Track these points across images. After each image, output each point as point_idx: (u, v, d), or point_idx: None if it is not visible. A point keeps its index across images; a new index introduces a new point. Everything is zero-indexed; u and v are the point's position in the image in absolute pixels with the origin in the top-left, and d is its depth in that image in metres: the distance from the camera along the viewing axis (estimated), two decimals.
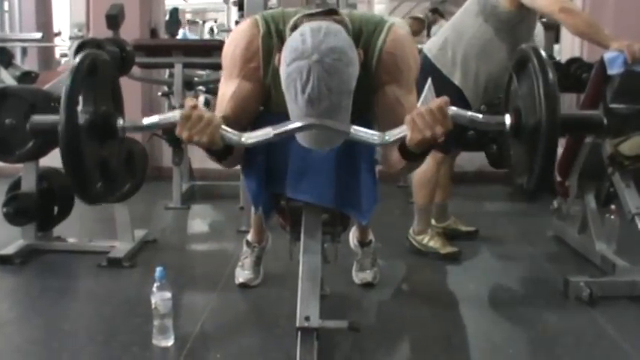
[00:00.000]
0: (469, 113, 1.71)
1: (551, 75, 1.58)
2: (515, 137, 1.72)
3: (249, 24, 2.00)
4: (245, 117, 2.03)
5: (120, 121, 1.78)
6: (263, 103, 2.08)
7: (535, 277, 3.24)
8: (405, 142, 1.71)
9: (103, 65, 1.82)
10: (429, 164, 3.39)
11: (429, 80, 2.96)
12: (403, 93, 1.99)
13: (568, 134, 1.56)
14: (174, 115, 1.71)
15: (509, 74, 1.85)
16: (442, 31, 3.51)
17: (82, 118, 1.67)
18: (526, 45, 1.74)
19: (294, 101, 1.66)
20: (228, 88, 2.02)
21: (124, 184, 3.26)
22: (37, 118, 1.76)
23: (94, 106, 1.73)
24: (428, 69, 3.19)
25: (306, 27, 1.69)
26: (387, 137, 1.74)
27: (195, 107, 1.69)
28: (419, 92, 3.02)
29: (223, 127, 1.73)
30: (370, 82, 1.96)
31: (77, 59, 1.71)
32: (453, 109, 1.68)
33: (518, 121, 1.69)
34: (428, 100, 3.10)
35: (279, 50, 1.77)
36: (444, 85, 3.07)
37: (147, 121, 1.77)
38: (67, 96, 1.63)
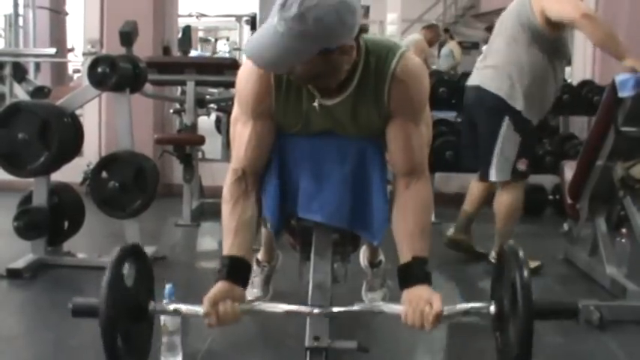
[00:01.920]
0: (458, 306, 1.96)
1: (526, 274, 1.79)
2: (499, 323, 1.93)
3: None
4: (262, 160, 2.10)
5: (151, 305, 1.99)
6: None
7: (545, 299, 3.22)
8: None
9: (138, 253, 2.03)
10: (517, 195, 3.51)
11: (506, 119, 3.10)
12: (413, 128, 2.02)
13: (544, 320, 1.87)
14: (199, 311, 1.95)
15: (496, 265, 2.05)
16: (499, 67, 3.43)
17: (118, 302, 1.86)
18: (508, 245, 1.95)
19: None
20: (245, 131, 2.06)
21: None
22: (79, 300, 1.98)
23: (129, 293, 1.94)
24: (503, 107, 3.35)
25: None
26: (383, 308, 2.08)
27: (216, 322, 1.95)
28: (494, 132, 3.11)
29: (242, 307, 1.98)
30: (382, 108, 1.98)
31: (117, 250, 1.92)
32: (446, 309, 1.88)
33: (501, 310, 1.90)
34: (509, 139, 3.26)
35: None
36: (522, 121, 3.32)
37: (174, 307, 2.04)
38: (107, 286, 1.84)
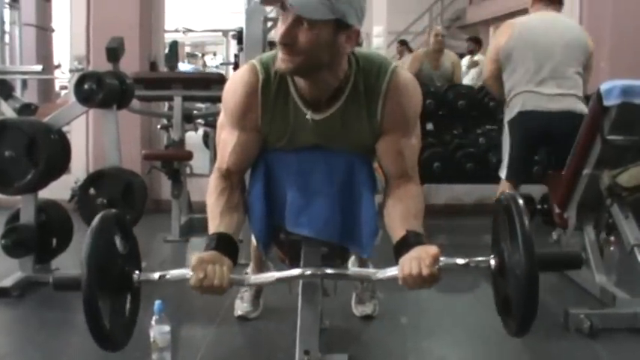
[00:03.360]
0: (457, 260, 1.86)
1: (527, 223, 1.70)
2: (500, 277, 1.84)
3: (248, 71, 2.01)
4: (246, 164, 2.11)
5: (136, 275, 1.91)
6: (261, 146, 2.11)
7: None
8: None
9: (120, 222, 1.94)
10: None
11: None
12: (405, 141, 2.03)
13: (548, 271, 1.75)
14: (186, 273, 1.88)
15: (494, 217, 1.94)
16: (579, 93, 3.75)
17: (102, 273, 1.78)
18: (507, 194, 1.87)
19: None
20: (229, 139, 2.06)
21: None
22: (60, 274, 1.93)
23: (112, 262, 1.85)
24: None
25: None
26: (379, 275, 1.92)
27: (204, 278, 1.82)
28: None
29: (232, 277, 1.87)
30: (374, 125, 1.99)
31: (95, 220, 1.83)
32: (443, 260, 1.81)
33: (502, 263, 1.81)
34: None
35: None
36: None
37: (160, 275, 1.95)
38: (88, 256, 1.75)
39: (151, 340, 2.32)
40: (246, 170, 2.14)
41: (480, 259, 1.86)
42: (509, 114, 3.83)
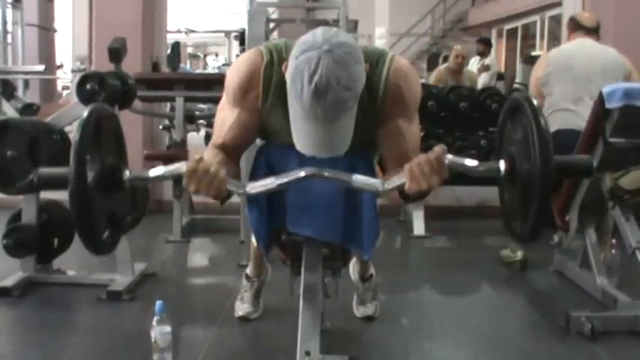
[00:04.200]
0: (466, 160, 1.75)
1: (543, 121, 1.62)
2: (510, 183, 1.75)
3: (253, 52, 2.03)
4: (243, 145, 2.10)
5: (126, 174, 1.80)
6: (261, 133, 2.11)
7: (536, 311, 3.23)
8: (404, 189, 1.73)
9: (108, 119, 1.84)
10: None
11: None
12: (407, 125, 2.03)
13: (561, 178, 1.62)
14: (181, 167, 1.73)
15: (502, 120, 1.88)
16: None
17: (89, 171, 1.69)
18: (518, 93, 1.78)
19: (299, 96, 1.65)
20: (228, 116, 2.04)
21: (128, 229, 3.26)
22: (45, 170, 1.78)
23: (101, 159, 1.75)
24: None
25: (317, 29, 1.72)
26: (385, 185, 1.78)
27: (200, 160, 1.70)
28: None
29: (229, 179, 1.74)
30: (376, 112, 1.99)
31: (84, 114, 1.73)
32: (450, 157, 1.71)
33: (513, 167, 1.73)
34: None
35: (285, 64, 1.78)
36: None
37: (153, 173, 1.80)
38: (76, 151, 1.65)
39: (152, 340, 2.32)
40: (241, 151, 2.10)
41: (489, 162, 1.78)
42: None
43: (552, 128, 3.67)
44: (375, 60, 1.98)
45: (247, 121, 2.04)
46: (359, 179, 1.76)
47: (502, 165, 1.76)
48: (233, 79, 2.03)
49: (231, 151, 2.06)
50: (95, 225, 1.72)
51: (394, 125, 2.01)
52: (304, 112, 1.67)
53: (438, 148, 1.70)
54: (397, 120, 2.01)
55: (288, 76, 1.70)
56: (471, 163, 1.75)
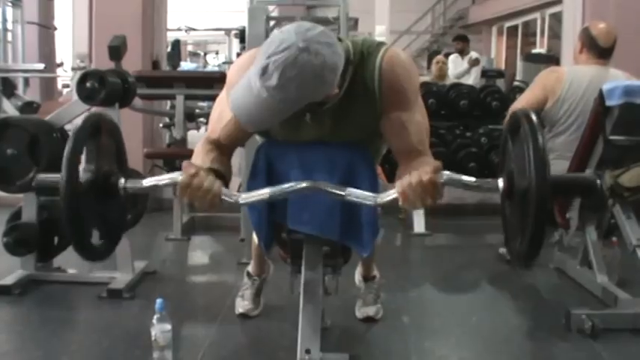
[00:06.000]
0: (463, 177, 1.73)
1: (540, 140, 1.61)
2: (509, 200, 1.75)
3: (255, 51, 2.00)
4: (238, 141, 2.11)
5: (122, 181, 1.80)
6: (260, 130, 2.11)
7: (537, 309, 3.23)
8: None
9: (107, 125, 1.85)
10: None
11: None
12: (409, 116, 2.01)
13: (561, 196, 1.59)
14: (176, 178, 1.75)
15: (504, 137, 1.87)
16: None
17: (84, 177, 1.70)
18: (519, 110, 1.78)
19: (256, 66, 1.69)
20: (225, 113, 2.02)
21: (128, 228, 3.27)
22: (42, 176, 1.79)
23: (97, 165, 1.76)
24: None
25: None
26: (379, 200, 1.77)
27: (195, 175, 1.73)
28: None
29: (223, 190, 1.76)
30: (375, 105, 1.98)
31: (81, 120, 1.75)
32: (446, 174, 1.70)
33: (511, 185, 1.72)
34: None
35: None
36: None
37: (148, 182, 1.82)
38: (68, 157, 1.66)
39: (153, 338, 2.32)
40: (235, 147, 2.12)
41: (488, 180, 1.77)
42: None
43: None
44: (370, 51, 1.98)
45: None
46: (353, 193, 1.76)
47: (501, 182, 1.75)
48: (234, 75, 2.03)
49: (224, 147, 2.07)
50: (86, 232, 1.72)
51: (396, 117, 2.00)
52: (252, 81, 1.70)
53: (432, 168, 1.68)
54: (398, 112, 2.00)
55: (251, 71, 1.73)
56: (469, 180, 1.73)
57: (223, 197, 1.76)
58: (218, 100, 2.15)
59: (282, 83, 1.66)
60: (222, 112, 2.05)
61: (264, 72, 1.67)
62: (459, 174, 1.73)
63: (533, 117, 1.68)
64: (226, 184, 1.90)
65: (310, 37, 1.69)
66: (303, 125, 2.02)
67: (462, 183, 1.72)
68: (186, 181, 1.73)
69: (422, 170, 1.69)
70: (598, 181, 1.77)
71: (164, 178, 1.79)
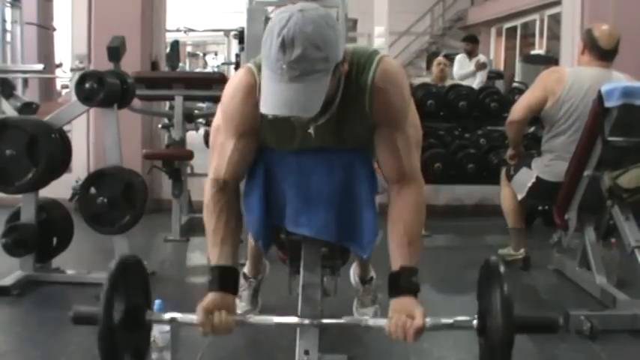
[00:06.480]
0: (442, 320, 2.00)
1: (506, 287, 1.83)
2: (482, 337, 1.95)
3: (244, 74, 1.99)
4: (245, 170, 2.13)
5: (148, 314, 2.01)
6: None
7: (535, 310, 3.22)
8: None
9: (134, 266, 2.03)
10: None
11: None
12: (400, 136, 2.01)
13: (525, 333, 1.87)
14: (194, 318, 1.97)
15: (479, 279, 2.05)
16: None
17: (116, 312, 1.89)
18: (493, 258, 1.98)
19: (268, 53, 1.71)
20: (227, 145, 2.06)
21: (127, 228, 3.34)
22: (80, 309, 1.97)
23: (126, 302, 1.94)
24: None
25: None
26: (370, 322, 2.12)
27: (210, 312, 1.96)
28: None
29: (235, 318, 2.01)
30: (366, 118, 1.97)
31: (113, 265, 1.93)
32: (428, 320, 1.94)
33: (484, 324, 1.92)
34: None
35: None
36: None
37: (169, 315, 2.05)
38: (106, 298, 1.86)
39: (152, 339, 2.31)
40: (242, 177, 2.14)
41: (464, 318, 1.98)
42: (546, 173, 3.63)
43: (552, 178, 3.57)
44: (363, 62, 1.95)
45: (246, 148, 2.06)
46: (348, 318, 2.18)
47: (475, 321, 1.95)
48: (230, 105, 2.02)
49: (232, 189, 2.10)
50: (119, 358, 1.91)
51: (387, 135, 2.00)
52: (271, 70, 1.71)
53: (420, 313, 1.92)
54: (389, 129, 2.00)
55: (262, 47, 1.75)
56: (447, 320, 1.99)
57: (236, 318, 2.02)
58: (214, 127, 2.16)
59: (305, 45, 1.67)
60: (224, 144, 2.06)
61: (283, 47, 1.68)
62: (438, 317, 2.00)
63: (502, 269, 1.89)
64: (237, 282, 2.14)
65: (301, 5, 1.72)
66: (303, 136, 2.01)
67: (442, 324, 1.99)
68: (202, 321, 1.95)
69: (409, 321, 1.92)
70: (560, 319, 2.01)
71: (186, 319, 2.03)
